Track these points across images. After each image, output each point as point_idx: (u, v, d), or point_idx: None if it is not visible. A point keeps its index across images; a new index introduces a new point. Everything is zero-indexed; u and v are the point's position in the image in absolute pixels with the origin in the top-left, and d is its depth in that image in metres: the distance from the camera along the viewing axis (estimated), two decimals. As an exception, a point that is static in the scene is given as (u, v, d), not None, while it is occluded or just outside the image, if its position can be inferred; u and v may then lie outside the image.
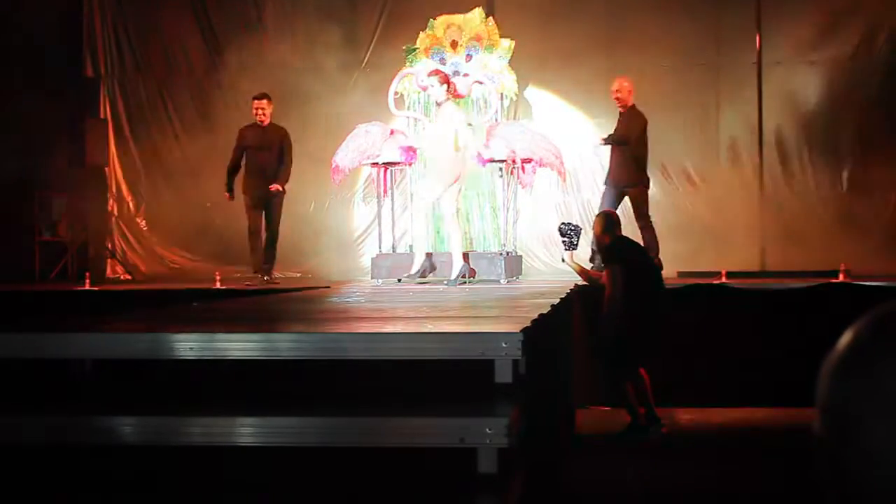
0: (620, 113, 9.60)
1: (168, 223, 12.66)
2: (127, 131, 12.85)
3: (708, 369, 8.32)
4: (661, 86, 11.45)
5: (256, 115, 10.04)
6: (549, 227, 11.20)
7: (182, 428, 2.98)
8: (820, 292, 8.51)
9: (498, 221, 9.44)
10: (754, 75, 11.95)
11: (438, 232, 9.33)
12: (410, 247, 9.07)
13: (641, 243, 8.46)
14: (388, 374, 3.28)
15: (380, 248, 9.40)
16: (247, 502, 3.06)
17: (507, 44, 9.69)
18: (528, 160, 9.05)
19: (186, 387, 3.36)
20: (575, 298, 7.65)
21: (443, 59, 9.65)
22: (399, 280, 8.72)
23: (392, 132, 9.31)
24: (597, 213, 8.31)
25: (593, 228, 7.78)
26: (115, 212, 12.86)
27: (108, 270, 12.56)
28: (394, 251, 9.42)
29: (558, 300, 5.56)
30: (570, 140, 10.87)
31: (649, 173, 9.76)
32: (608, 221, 7.63)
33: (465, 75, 9.54)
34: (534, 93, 12.00)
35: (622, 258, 7.27)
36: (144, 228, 12.82)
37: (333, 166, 9.28)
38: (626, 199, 9.51)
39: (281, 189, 9.90)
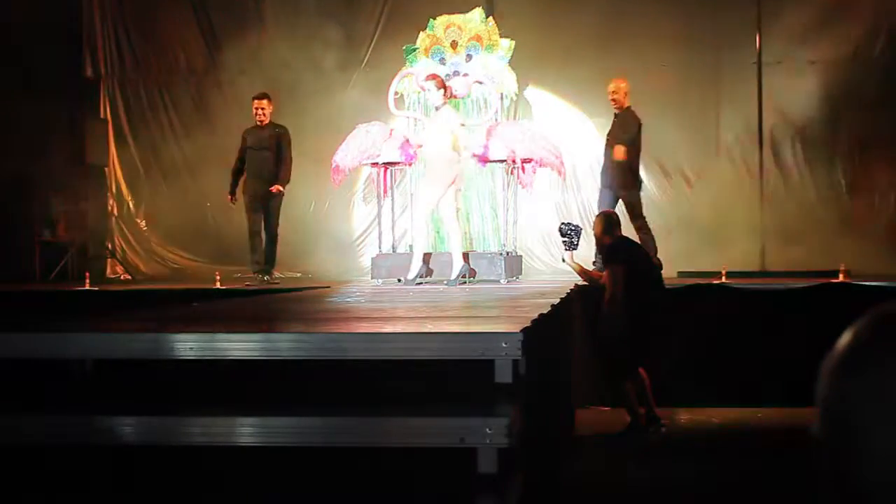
0: (615, 114, 9.60)
1: (168, 223, 12.66)
2: (127, 131, 12.86)
3: (708, 369, 8.32)
4: (661, 85, 11.46)
5: (256, 115, 10.04)
6: (550, 227, 11.20)
7: (182, 428, 2.98)
8: (820, 292, 8.51)
9: (498, 221, 9.44)
10: (754, 75, 11.95)
11: (438, 232, 9.33)
12: (410, 247, 9.07)
13: (640, 244, 8.46)
14: (388, 374, 3.28)
15: (380, 248, 9.40)
16: (247, 502, 3.06)
17: (507, 44, 9.69)
18: (528, 160, 9.05)
19: (186, 387, 3.35)
20: (575, 298, 7.65)
21: (443, 59, 9.64)
22: (399, 280, 8.72)
23: (392, 132, 9.31)
24: (596, 213, 8.31)
25: (593, 229, 7.78)
26: (115, 212, 12.86)
27: (108, 270, 12.58)
28: (394, 251, 9.42)
29: (558, 300, 5.56)
30: (569, 140, 10.88)
31: (647, 173, 9.78)
32: (608, 222, 7.63)
33: (465, 75, 9.54)
34: (534, 93, 12.00)
35: (623, 258, 7.27)
36: (144, 228, 12.83)
37: (334, 166, 9.27)
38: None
39: (282, 190, 9.90)
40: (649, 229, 9.39)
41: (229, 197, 10.06)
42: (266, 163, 9.93)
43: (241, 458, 3.00)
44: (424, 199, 8.55)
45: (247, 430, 2.93)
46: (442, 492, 2.91)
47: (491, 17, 9.94)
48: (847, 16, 11.71)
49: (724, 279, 9.39)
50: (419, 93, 9.49)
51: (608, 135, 9.64)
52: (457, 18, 9.76)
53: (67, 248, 12.03)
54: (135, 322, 4.30)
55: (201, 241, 12.53)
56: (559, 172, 9.45)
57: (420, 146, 9.00)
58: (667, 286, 7.76)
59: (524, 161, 9.04)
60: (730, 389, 8.29)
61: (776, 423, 7.80)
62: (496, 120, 9.50)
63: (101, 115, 12.83)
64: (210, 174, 11.85)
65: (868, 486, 0.95)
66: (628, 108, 9.50)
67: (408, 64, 9.72)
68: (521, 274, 9.78)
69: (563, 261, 8.26)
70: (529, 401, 3.44)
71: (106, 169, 12.76)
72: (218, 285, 9.85)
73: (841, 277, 9.05)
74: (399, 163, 9.27)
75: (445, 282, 8.38)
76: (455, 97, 9.31)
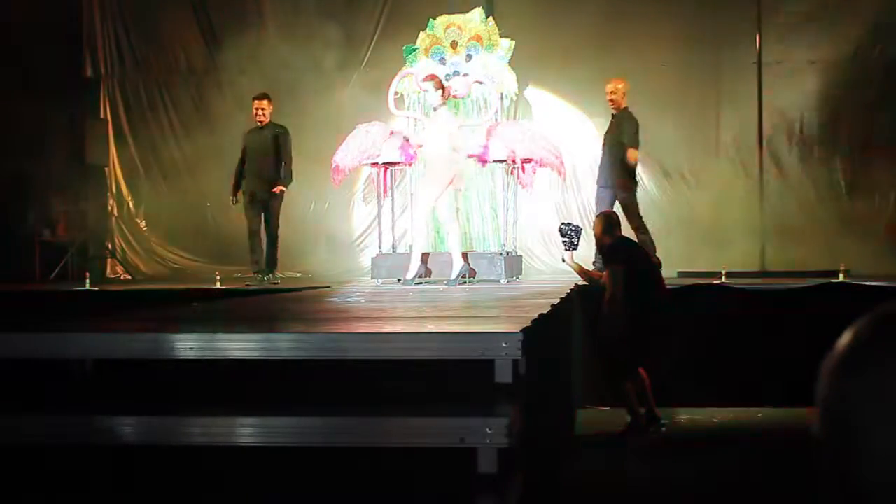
0: (613, 115, 9.60)
1: (168, 223, 12.67)
2: (127, 131, 12.87)
3: (708, 369, 8.32)
4: (660, 85, 11.47)
5: (256, 115, 10.04)
6: (550, 227, 11.20)
7: (182, 428, 2.98)
8: (820, 292, 8.50)
9: (498, 221, 9.44)
10: (754, 75, 11.95)
11: (438, 232, 9.33)
12: (410, 247, 9.07)
13: (639, 244, 8.46)
14: (388, 374, 3.28)
15: (380, 248, 9.39)
16: (247, 502, 3.06)
17: (507, 44, 9.69)
18: (528, 160, 9.05)
19: (186, 387, 3.36)
20: (575, 298, 7.65)
21: (443, 59, 9.64)
22: (399, 280, 8.72)
23: (392, 132, 9.31)
24: (596, 214, 8.31)
25: (593, 229, 7.78)
26: (115, 212, 12.87)
27: (108, 270, 12.58)
28: (394, 251, 9.42)
29: (558, 300, 5.56)
30: (570, 140, 10.87)
31: (646, 173, 9.77)
32: (608, 222, 7.63)
33: (465, 75, 9.54)
34: (534, 93, 12.01)
35: (623, 259, 7.27)
36: (144, 228, 12.83)
37: (334, 166, 9.27)
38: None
39: (284, 190, 9.91)
40: (647, 229, 9.39)
41: (231, 198, 10.06)
42: (266, 163, 9.93)
43: (241, 458, 3.00)
44: (423, 198, 8.56)
45: (247, 430, 2.94)
46: (442, 492, 2.91)
47: (491, 17, 9.94)
48: (847, 16, 11.71)
49: (723, 279, 9.39)
50: (419, 93, 9.48)
51: (605, 135, 9.65)
52: (457, 18, 9.77)
53: (67, 248, 12.03)
54: (135, 322, 4.30)
55: (201, 241, 12.53)
56: (559, 172, 9.45)
57: (420, 146, 9.00)
58: (667, 286, 7.75)
59: (524, 161, 9.04)
60: (730, 389, 8.28)
61: (776, 423, 7.79)
62: (496, 120, 9.50)
63: (101, 115, 12.83)
64: (210, 174, 11.85)
65: (868, 486, 0.95)
66: (626, 108, 9.50)
67: (408, 64, 9.72)
68: (521, 274, 9.78)
69: (563, 261, 8.26)
70: (529, 401, 3.44)
71: (106, 169, 12.76)
72: (218, 285, 9.85)
73: (841, 277, 9.05)
74: (399, 163, 9.27)
75: (445, 282, 8.38)
76: (454, 97, 9.31)
